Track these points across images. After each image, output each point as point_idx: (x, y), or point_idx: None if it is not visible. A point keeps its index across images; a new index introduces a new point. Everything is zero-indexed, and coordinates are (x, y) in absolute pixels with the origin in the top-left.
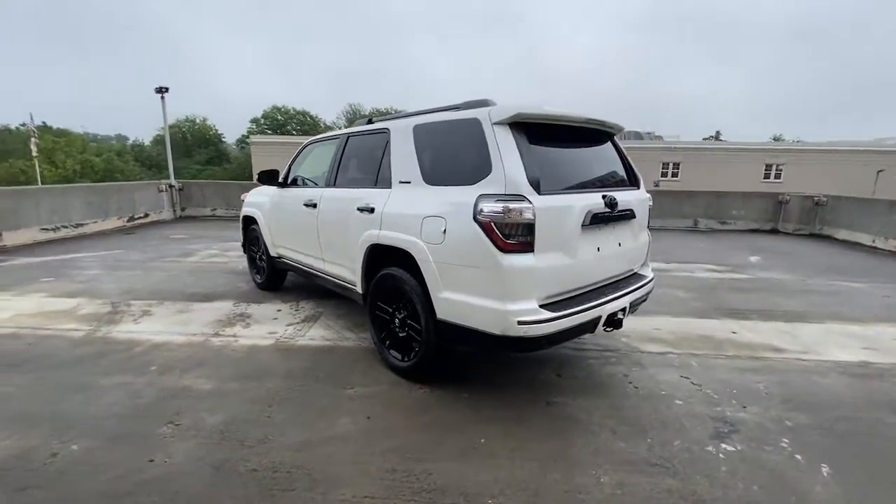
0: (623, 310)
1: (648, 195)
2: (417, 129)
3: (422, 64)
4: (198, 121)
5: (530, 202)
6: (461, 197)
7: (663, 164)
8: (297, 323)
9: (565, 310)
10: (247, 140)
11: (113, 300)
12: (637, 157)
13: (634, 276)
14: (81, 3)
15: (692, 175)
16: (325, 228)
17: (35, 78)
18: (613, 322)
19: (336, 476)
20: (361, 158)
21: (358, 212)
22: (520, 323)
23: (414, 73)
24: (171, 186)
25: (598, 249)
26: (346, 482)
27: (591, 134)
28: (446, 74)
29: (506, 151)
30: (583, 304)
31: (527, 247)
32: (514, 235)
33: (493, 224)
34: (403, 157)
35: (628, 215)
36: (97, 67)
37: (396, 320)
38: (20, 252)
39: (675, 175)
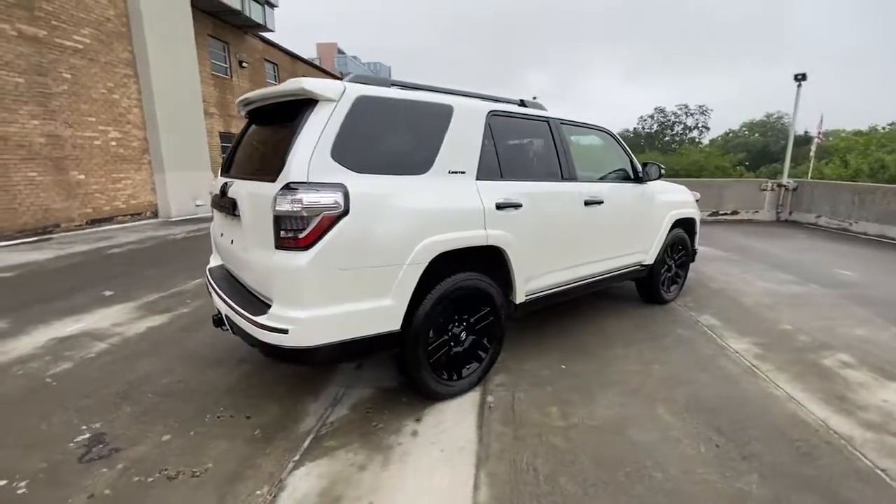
0: (223, 315)
1: (284, 197)
2: None
3: None
4: None
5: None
6: None
7: None
8: None
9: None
10: None
11: None
12: None
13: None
14: None
15: None
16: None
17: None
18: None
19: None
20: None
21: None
22: None
23: None
24: (779, 185)
25: (222, 236)
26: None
27: (287, 109)
28: None
29: None
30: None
31: None
32: None
33: None
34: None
35: (229, 211)
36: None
37: None
38: None
39: None
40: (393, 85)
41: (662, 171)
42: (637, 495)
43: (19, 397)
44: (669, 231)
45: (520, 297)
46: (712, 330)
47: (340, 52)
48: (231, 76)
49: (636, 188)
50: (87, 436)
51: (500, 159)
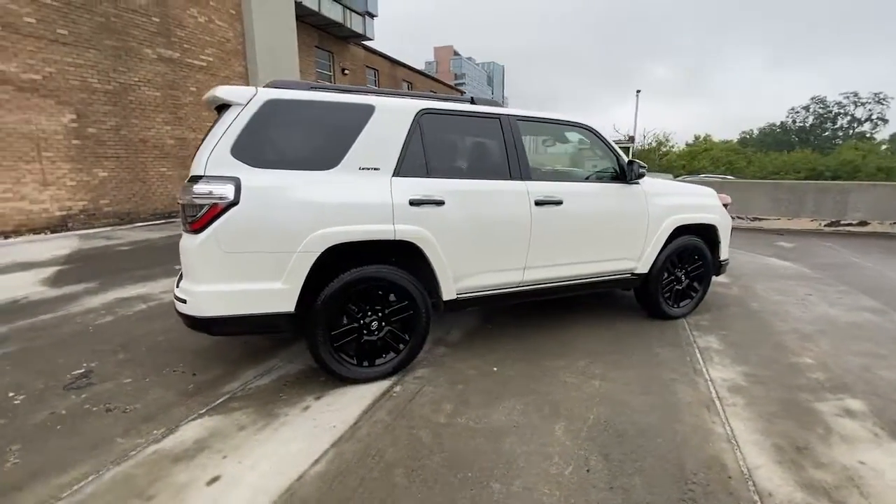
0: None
1: (186, 188)
2: None
3: None
4: None
5: None
6: None
7: None
8: None
9: None
10: None
11: None
12: None
13: None
14: None
15: None
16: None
17: None
18: None
19: None
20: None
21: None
22: None
23: None
24: None
25: None
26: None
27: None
28: None
29: None
30: None
31: None
32: None
33: None
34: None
35: None
36: None
37: None
38: None
39: None
40: (313, 88)
41: (643, 171)
42: (454, 501)
43: (64, 338)
44: (674, 237)
45: (449, 295)
46: (703, 353)
47: (456, 53)
48: (334, 83)
49: (618, 189)
50: (81, 371)
51: (427, 157)
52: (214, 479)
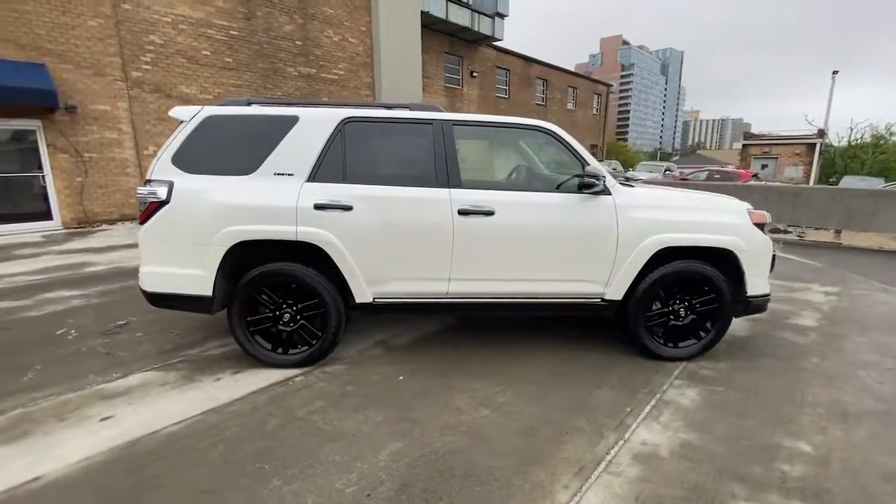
0: None
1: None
2: None
3: None
4: None
5: None
6: None
7: None
8: None
9: None
10: None
11: None
12: None
13: None
14: None
15: None
16: None
17: None
18: None
19: None
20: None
21: None
22: None
23: None
24: None
25: None
26: None
27: None
28: None
29: None
30: None
31: None
32: None
33: None
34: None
35: None
36: None
37: None
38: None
39: None
40: (250, 103)
41: (592, 181)
42: (230, 482)
43: (138, 296)
44: (665, 260)
45: (363, 298)
46: (657, 408)
47: (625, 43)
48: (462, 86)
49: (575, 199)
50: (122, 322)
51: (346, 163)
52: (107, 418)
